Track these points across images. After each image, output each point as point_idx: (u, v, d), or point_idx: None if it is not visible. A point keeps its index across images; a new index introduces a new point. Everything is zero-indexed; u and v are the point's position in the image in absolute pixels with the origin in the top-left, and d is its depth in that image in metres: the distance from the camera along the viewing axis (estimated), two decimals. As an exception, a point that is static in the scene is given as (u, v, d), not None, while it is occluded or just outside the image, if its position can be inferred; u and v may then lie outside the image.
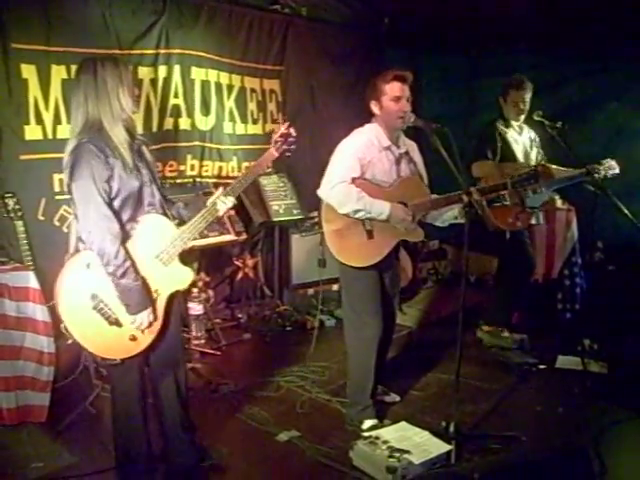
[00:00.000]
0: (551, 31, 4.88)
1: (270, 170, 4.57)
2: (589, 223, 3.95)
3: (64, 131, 3.55)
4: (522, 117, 4.10)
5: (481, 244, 4.16)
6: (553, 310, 4.59)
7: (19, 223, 3.30)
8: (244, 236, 4.44)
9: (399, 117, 2.98)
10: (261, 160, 2.69)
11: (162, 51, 4.15)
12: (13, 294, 2.98)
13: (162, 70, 4.19)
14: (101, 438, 2.93)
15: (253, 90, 4.84)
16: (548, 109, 3.81)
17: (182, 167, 4.45)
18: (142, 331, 2.37)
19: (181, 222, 2.53)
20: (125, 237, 2.31)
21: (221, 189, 2.56)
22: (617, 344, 4.02)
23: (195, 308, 4.19)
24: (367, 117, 3.12)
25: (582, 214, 4.52)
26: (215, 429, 3.13)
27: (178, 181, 4.43)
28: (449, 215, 3.14)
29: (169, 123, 4.30)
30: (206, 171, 4.60)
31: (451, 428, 2.85)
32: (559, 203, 4.60)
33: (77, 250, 2.38)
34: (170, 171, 4.37)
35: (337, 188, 2.93)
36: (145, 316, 2.33)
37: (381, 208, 2.95)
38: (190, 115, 4.42)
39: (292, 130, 2.71)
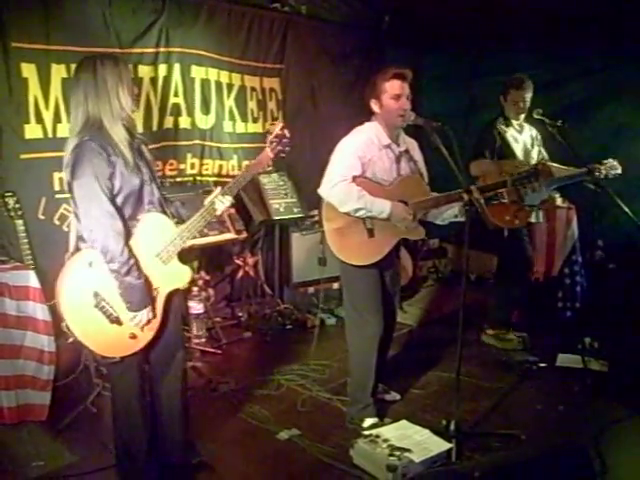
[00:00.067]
0: (551, 31, 4.88)
1: (270, 169, 4.57)
2: (589, 221, 3.96)
3: (64, 130, 3.55)
4: (522, 116, 4.10)
5: (481, 242, 4.16)
6: (553, 308, 4.60)
7: (19, 222, 3.30)
8: (244, 235, 4.43)
9: (399, 115, 2.97)
10: (258, 160, 2.70)
11: (162, 50, 4.15)
12: (13, 293, 2.98)
13: (162, 69, 4.19)
14: (101, 437, 2.94)
15: (253, 89, 4.84)
16: (548, 109, 3.82)
17: (182, 166, 4.44)
18: (141, 328, 2.38)
19: (180, 221, 2.53)
20: (126, 235, 2.31)
21: (219, 188, 2.56)
22: (617, 342, 4.02)
23: (195, 307, 4.19)
24: (367, 115, 3.11)
25: (582, 212, 4.53)
26: (215, 428, 3.13)
27: (178, 180, 4.43)
28: (449, 213, 3.13)
29: (169, 122, 4.30)
30: (206, 170, 4.59)
31: (452, 426, 2.85)
32: (559, 201, 4.61)
33: (77, 249, 2.38)
34: (170, 170, 4.37)
35: (338, 187, 2.93)
36: (145, 314, 2.35)
37: (382, 207, 2.94)
38: (190, 114, 4.42)
39: (286, 131, 2.72)
